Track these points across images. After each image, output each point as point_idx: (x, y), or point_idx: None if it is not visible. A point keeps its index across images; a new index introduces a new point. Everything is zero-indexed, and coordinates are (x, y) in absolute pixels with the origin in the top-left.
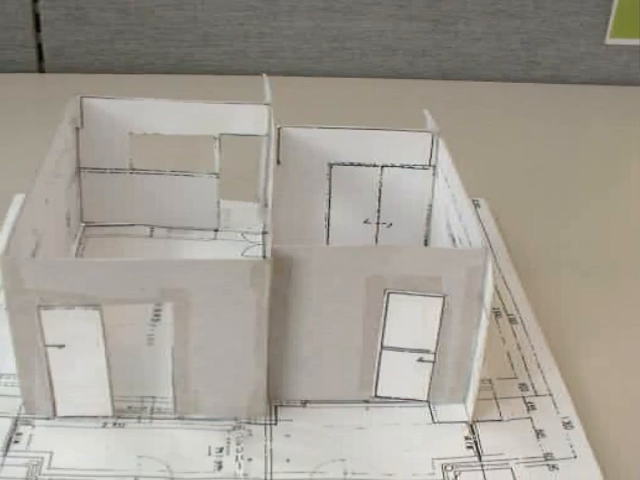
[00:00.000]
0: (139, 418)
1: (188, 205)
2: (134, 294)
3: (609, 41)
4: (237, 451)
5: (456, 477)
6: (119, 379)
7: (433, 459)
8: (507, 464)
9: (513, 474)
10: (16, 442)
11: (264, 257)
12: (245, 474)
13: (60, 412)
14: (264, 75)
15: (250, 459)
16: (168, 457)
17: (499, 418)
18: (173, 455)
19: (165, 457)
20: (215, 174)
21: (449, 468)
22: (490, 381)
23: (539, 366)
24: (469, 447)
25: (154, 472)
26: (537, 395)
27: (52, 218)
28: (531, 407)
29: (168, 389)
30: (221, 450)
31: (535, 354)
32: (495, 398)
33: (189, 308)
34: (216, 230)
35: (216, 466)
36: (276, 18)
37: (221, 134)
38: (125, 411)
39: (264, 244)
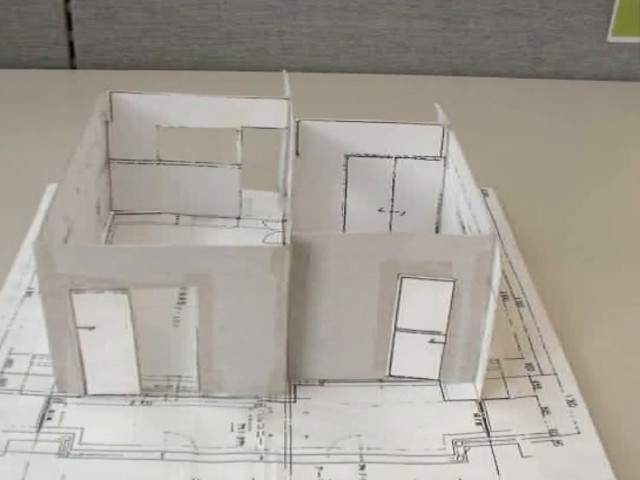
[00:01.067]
0: (165, 396)
1: (212, 194)
2: (160, 278)
3: (611, 39)
4: (258, 427)
5: (466, 452)
6: (146, 359)
7: (444, 435)
8: (514, 439)
9: (520, 449)
10: (49, 419)
11: (284, 243)
12: (266, 449)
13: (90, 390)
14: (284, 71)
15: (271, 435)
16: (193, 433)
17: (506, 396)
18: (197, 431)
19: (190, 433)
20: (237, 165)
21: (459, 443)
22: (498, 361)
23: (544, 347)
24: (478, 424)
25: (179, 447)
26: (542, 374)
27: (83, 206)
28: (537, 386)
29: (193, 368)
30: (243, 426)
31: (540, 335)
32: (503, 377)
33: (213, 291)
34: (238, 218)
35: (238, 441)
36: (295, 17)
37: (243, 127)
38: (152, 389)
39: (284, 231)
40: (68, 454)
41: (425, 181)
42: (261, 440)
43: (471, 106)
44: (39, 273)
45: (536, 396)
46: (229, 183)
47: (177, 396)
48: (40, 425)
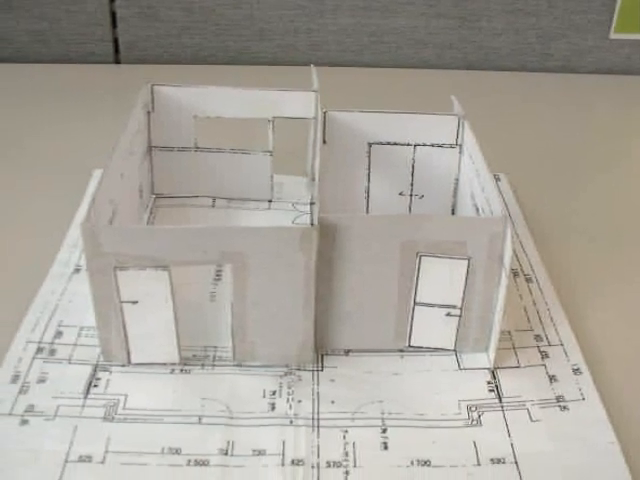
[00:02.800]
0: (202, 365)
1: (245, 179)
2: (198, 257)
3: (613, 36)
4: (288, 394)
5: (479, 416)
6: (185, 331)
7: (459, 401)
8: (524, 405)
9: (529, 414)
10: (95, 386)
11: (312, 225)
12: (295, 414)
13: (134, 360)
14: (312, 66)
15: (299, 401)
16: (228, 399)
17: (517, 365)
18: (232, 397)
19: (225, 399)
20: (269, 152)
21: (473, 408)
22: (509, 333)
23: (552, 319)
24: (491, 390)
25: (215, 412)
26: (550, 345)
27: (127, 190)
28: (545, 355)
29: (228, 340)
30: (274, 393)
31: (548, 309)
32: (513, 347)
33: (246, 269)
34: (270, 201)
35: (270, 407)
36: (322, 16)
37: (274, 117)
38: (190, 359)
39: (312, 213)
40: (113, 418)
41: (442, 167)
42: (291, 406)
43: (484, 98)
44: (86, 252)
45: (544, 365)
46: (261, 169)
47: (213, 365)
48: (87, 392)
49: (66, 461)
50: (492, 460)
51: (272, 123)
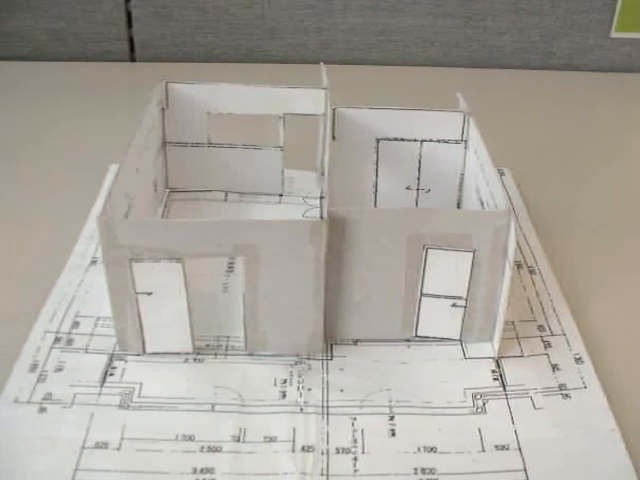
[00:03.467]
0: (215, 354)
1: (257, 174)
2: (211, 249)
3: (614, 35)
4: (298, 382)
5: (484, 404)
6: (198, 321)
7: (465, 389)
8: (527, 393)
9: (532, 401)
10: (111, 375)
11: (321, 218)
12: (305, 402)
13: (148, 349)
14: (321, 64)
15: (309, 389)
16: (240, 387)
17: (520, 354)
18: (244, 386)
19: (237, 387)
20: (280, 147)
21: (478, 397)
22: (513, 323)
23: (554, 310)
24: (495, 379)
25: (228, 400)
26: (552, 335)
27: (142, 184)
28: (547, 345)
29: (240, 330)
30: (285, 381)
31: (551, 300)
32: (517, 337)
33: (258, 261)
34: (281, 195)
35: (281, 395)
36: (331, 15)
37: (285, 114)
38: (203, 348)
39: (321, 207)
40: (128, 406)
41: (448, 162)
42: (301, 394)
43: (489, 95)
44: (102, 244)
45: (547, 354)
46: (273, 164)
47: (226, 354)
48: (103, 380)
49: (83, 447)
50: (496, 447)
51: (283, 119)
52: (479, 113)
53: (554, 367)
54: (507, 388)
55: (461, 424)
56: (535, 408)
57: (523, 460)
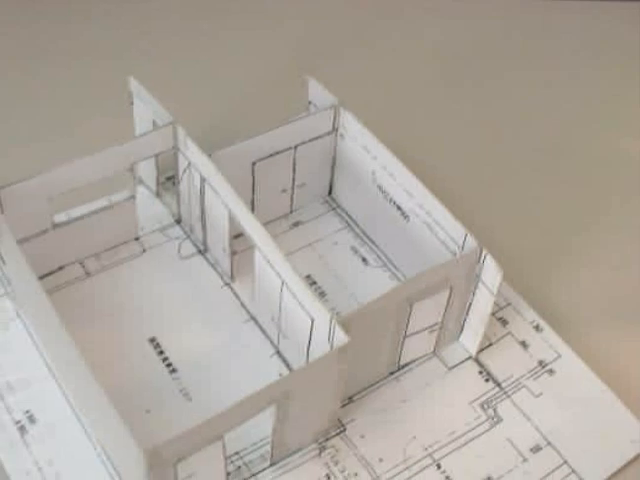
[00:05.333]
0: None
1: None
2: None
3: None
4: (340, 471)
5: (495, 411)
6: None
7: (470, 402)
8: (520, 383)
9: (530, 391)
10: None
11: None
12: None
13: None
14: None
15: (356, 474)
16: None
17: (489, 343)
18: None
19: None
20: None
21: (486, 406)
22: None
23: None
24: (486, 380)
25: None
26: (501, 308)
27: None
28: (504, 322)
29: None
30: (329, 477)
31: None
32: None
33: (289, 400)
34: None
35: None
36: None
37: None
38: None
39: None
40: None
41: (320, 153)
42: None
43: None
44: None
45: (510, 332)
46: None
47: (253, 475)
48: None
49: None
50: (531, 450)
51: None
52: None
53: (522, 344)
54: (502, 385)
55: (491, 441)
56: (535, 396)
57: (559, 453)
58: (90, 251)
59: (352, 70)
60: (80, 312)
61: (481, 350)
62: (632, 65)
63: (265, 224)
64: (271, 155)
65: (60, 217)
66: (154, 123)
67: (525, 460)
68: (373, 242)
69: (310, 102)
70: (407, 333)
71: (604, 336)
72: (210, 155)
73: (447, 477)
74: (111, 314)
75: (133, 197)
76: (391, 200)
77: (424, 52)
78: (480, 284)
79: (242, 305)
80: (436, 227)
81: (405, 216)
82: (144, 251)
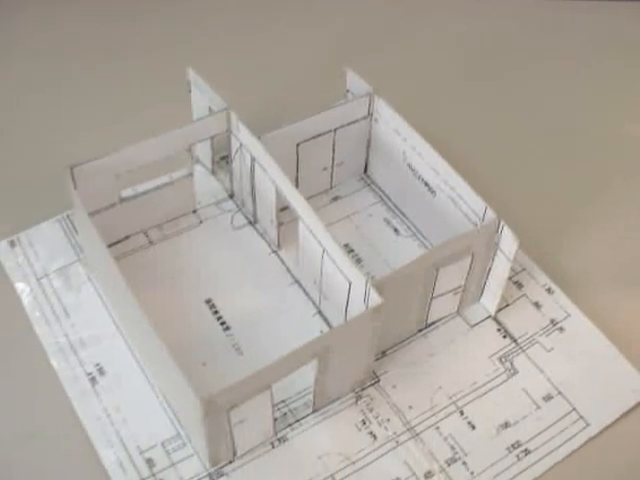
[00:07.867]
0: (291, 427)
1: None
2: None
3: None
4: (374, 417)
5: (512, 364)
6: None
7: (489, 357)
8: (534, 339)
9: (543, 346)
10: None
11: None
12: (395, 433)
13: (239, 453)
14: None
15: (388, 419)
16: (337, 447)
17: (506, 304)
18: (338, 445)
19: (335, 448)
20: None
21: (503, 360)
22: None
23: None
24: (504, 337)
25: (340, 465)
26: (517, 273)
27: None
28: (519, 285)
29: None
30: (364, 422)
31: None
32: None
33: (330, 353)
34: (194, 211)
35: (372, 438)
36: None
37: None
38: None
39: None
40: None
41: (357, 135)
42: (386, 427)
43: None
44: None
45: (525, 295)
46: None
47: (297, 420)
48: None
49: None
50: (544, 398)
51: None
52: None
53: (536, 305)
54: (518, 341)
55: (508, 391)
56: (547, 351)
57: (568, 401)
58: (153, 222)
59: (385, 62)
60: (144, 276)
61: (499, 310)
62: (635, 59)
63: (308, 198)
64: (313, 137)
65: (127, 192)
66: (210, 109)
67: (538, 407)
68: (404, 214)
69: (348, 90)
70: (434, 295)
71: (609, 297)
72: (259, 137)
73: (469, 422)
74: (171, 278)
75: (191, 174)
76: (419, 177)
77: (450, 46)
78: (498, 251)
79: (287, 270)
80: (459, 201)
81: (432, 191)
82: (201, 222)
